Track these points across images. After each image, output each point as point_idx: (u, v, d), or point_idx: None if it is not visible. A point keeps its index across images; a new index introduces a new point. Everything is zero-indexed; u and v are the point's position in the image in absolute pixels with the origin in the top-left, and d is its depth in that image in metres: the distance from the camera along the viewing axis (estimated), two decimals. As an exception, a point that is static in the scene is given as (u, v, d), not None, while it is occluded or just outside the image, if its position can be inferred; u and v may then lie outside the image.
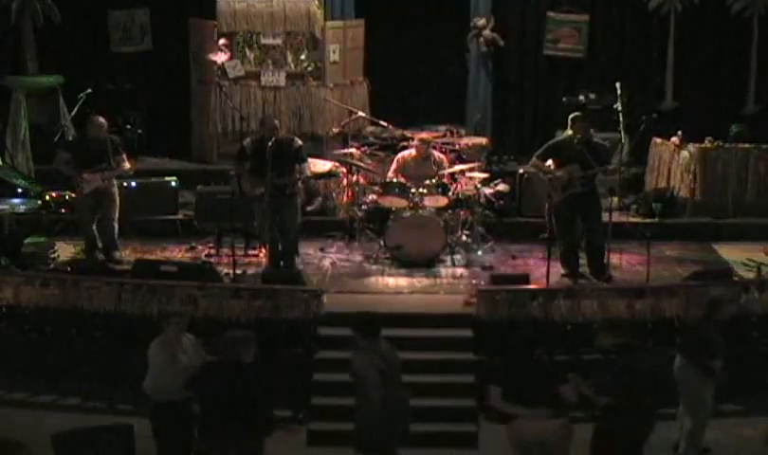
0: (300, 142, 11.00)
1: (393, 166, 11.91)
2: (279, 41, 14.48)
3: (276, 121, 11.07)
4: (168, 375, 7.62)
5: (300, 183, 10.96)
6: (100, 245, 11.28)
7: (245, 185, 10.93)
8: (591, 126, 11.09)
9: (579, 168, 10.56)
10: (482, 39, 15.14)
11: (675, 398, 8.42)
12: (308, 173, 11.09)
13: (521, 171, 12.89)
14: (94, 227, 11.26)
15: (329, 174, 12.73)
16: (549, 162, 10.93)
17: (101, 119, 11.22)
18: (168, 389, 7.60)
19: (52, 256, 11.41)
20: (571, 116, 11.93)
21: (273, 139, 10.57)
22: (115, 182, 11.31)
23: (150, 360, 7.75)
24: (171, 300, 9.51)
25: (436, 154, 12.01)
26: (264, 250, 11.34)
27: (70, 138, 13.13)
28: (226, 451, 7.01)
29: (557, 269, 10.89)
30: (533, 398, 7.36)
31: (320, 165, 12.58)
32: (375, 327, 7.57)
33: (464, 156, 12.73)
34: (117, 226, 11.32)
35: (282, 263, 10.97)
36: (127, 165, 11.34)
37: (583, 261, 10.96)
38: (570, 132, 11.18)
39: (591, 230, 10.83)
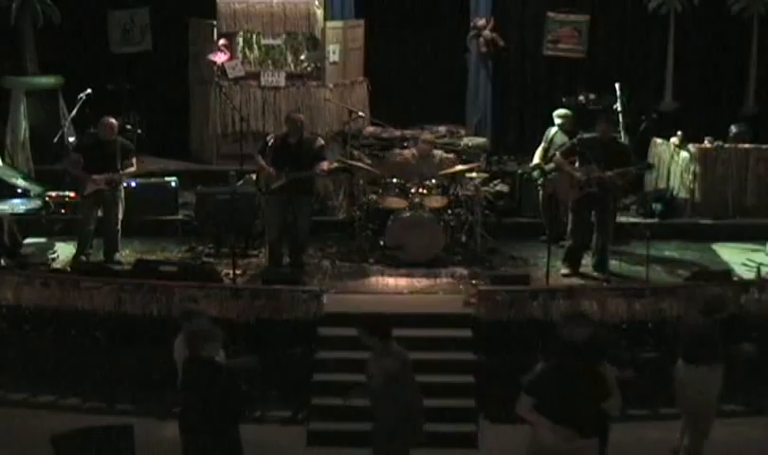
0: (322, 142, 11.15)
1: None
2: (279, 41, 14.49)
3: (300, 116, 11.15)
4: None
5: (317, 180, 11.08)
6: (90, 250, 11.23)
7: (261, 181, 10.99)
8: (611, 127, 11.21)
9: (596, 169, 10.58)
10: (482, 39, 15.13)
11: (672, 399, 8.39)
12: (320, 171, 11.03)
13: (546, 167, 12.46)
14: (91, 229, 11.23)
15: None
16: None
17: (112, 120, 11.19)
18: None
19: (52, 256, 11.42)
20: (556, 112, 12.03)
21: (297, 137, 10.75)
22: (122, 186, 11.28)
23: None
24: (171, 300, 9.53)
25: (438, 153, 12.01)
26: (264, 250, 11.36)
27: (81, 139, 12.81)
28: (204, 445, 6.90)
29: (558, 269, 10.90)
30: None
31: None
32: (389, 329, 7.46)
33: (464, 157, 12.73)
34: (119, 229, 11.29)
35: (290, 259, 11.06)
36: (133, 169, 11.34)
37: (584, 261, 10.97)
38: (557, 126, 11.15)
39: (602, 230, 10.85)
